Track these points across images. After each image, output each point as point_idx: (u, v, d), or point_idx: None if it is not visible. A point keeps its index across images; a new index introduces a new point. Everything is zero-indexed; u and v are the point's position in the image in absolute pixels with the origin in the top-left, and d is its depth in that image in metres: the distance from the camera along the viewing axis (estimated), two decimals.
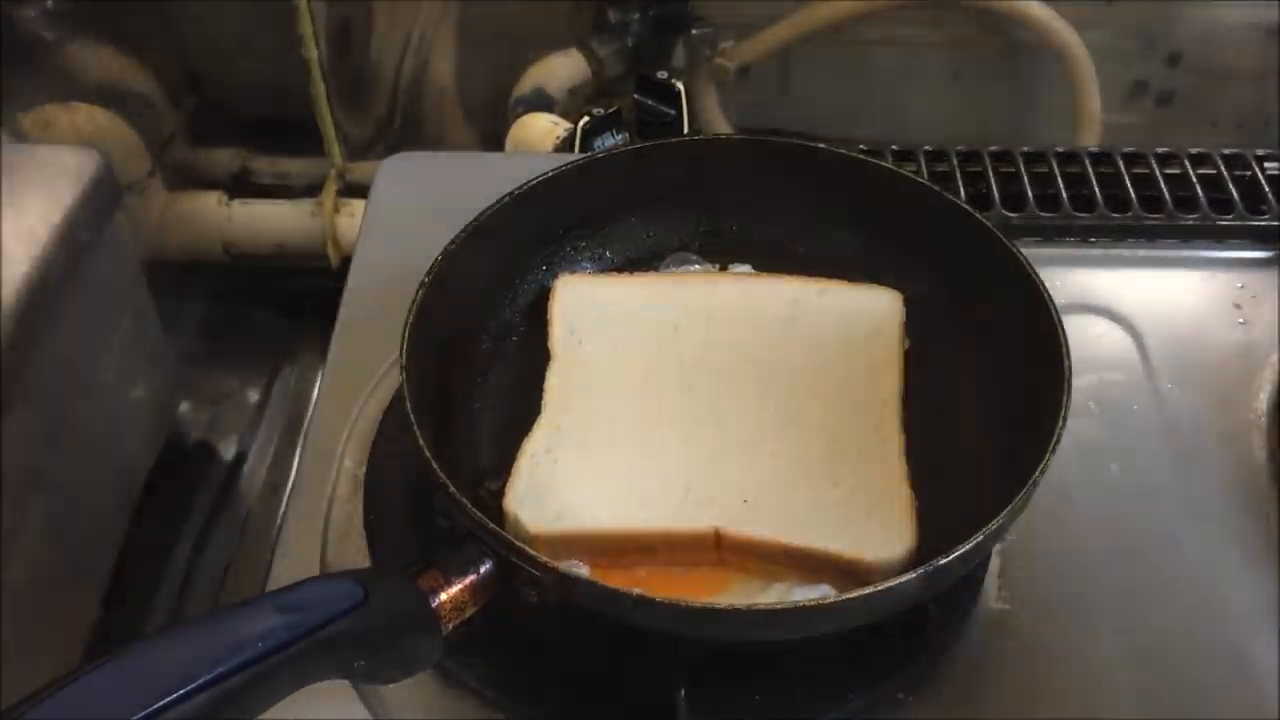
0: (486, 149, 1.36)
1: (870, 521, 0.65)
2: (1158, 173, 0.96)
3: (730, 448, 0.69)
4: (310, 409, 0.82)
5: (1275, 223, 0.93)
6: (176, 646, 0.48)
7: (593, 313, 0.77)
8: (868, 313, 0.76)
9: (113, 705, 0.45)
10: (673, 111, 1.05)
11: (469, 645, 0.62)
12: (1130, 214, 0.93)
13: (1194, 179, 0.96)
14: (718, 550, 0.65)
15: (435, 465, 0.60)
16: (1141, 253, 0.92)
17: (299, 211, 1.32)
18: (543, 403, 0.72)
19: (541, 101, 1.27)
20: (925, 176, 0.93)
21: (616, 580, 0.62)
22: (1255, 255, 0.92)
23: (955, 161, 0.97)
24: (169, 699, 0.45)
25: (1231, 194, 0.95)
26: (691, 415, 0.71)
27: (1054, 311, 0.68)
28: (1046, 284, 0.70)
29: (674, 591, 0.60)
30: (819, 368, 0.73)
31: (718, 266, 0.82)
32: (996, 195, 0.95)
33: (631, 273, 0.81)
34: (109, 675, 0.46)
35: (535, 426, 0.70)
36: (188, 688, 0.46)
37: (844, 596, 0.58)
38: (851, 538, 0.64)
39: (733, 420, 0.70)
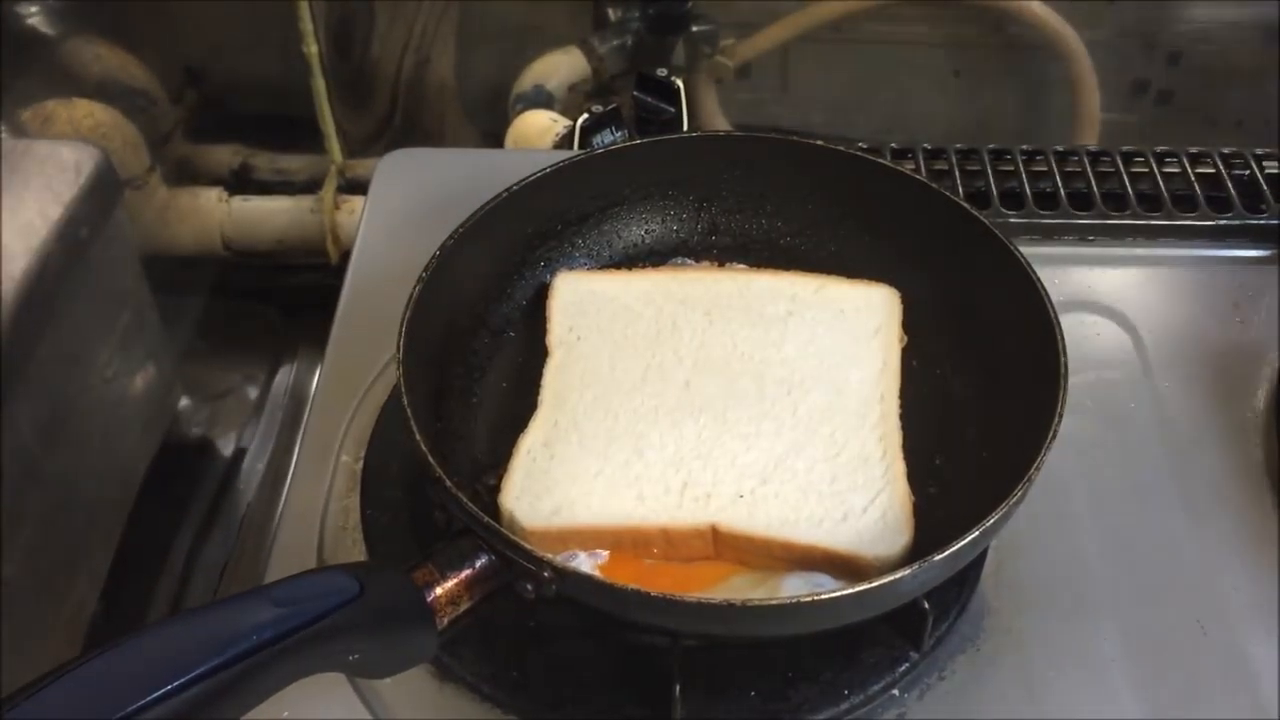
0: (486, 146, 1.36)
1: (867, 518, 0.65)
2: (1156, 171, 0.96)
3: (727, 443, 0.69)
4: (309, 404, 0.82)
5: (1274, 222, 0.93)
6: (171, 639, 0.48)
7: (591, 309, 0.77)
8: (865, 309, 0.76)
9: (107, 697, 0.45)
10: (672, 109, 1.05)
11: (464, 639, 0.63)
12: (1129, 212, 0.93)
13: (1193, 178, 0.96)
14: (715, 546, 0.65)
15: (432, 460, 0.61)
16: (1140, 251, 0.93)
17: (299, 208, 1.32)
18: (540, 398, 0.72)
19: (541, 98, 1.27)
20: (924, 174, 0.93)
21: (619, 571, 0.63)
22: (1253, 254, 0.92)
23: (954, 159, 0.97)
24: (164, 690, 0.45)
25: (1230, 193, 0.95)
26: (689, 411, 0.71)
27: (1051, 309, 0.68)
28: (1044, 282, 0.70)
29: (674, 584, 0.60)
30: (816, 364, 0.73)
31: (716, 264, 0.82)
32: (995, 193, 0.95)
33: (630, 269, 0.81)
34: (103, 667, 0.46)
35: (532, 422, 0.70)
36: (183, 679, 0.46)
37: (839, 592, 0.58)
38: (849, 534, 0.64)
39: (730, 416, 0.70)
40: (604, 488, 0.67)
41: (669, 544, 0.65)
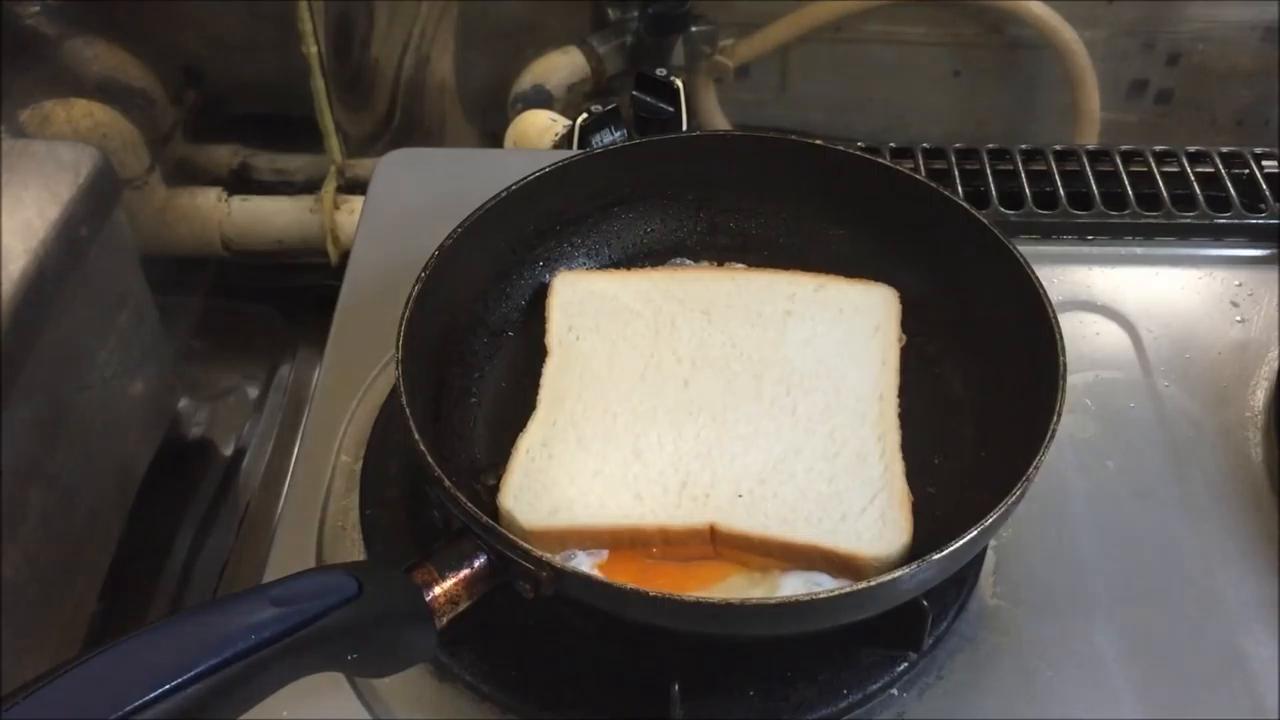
0: (486, 145, 1.36)
1: (866, 518, 0.65)
2: (1155, 171, 0.96)
3: (726, 443, 0.69)
4: (308, 404, 0.82)
5: (1273, 221, 0.93)
6: (170, 638, 0.48)
7: (590, 309, 0.77)
8: (864, 309, 0.76)
9: (105, 697, 0.45)
10: (671, 109, 1.05)
11: (464, 639, 0.63)
12: (1128, 212, 0.93)
13: (1192, 177, 0.96)
14: (713, 545, 0.65)
15: (430, 460, 0.60)
16: (1139, 250, 0.92)
17: (298, 208, 1.32)
18: (538, 398, 0.72)
19: (541, 98, 1.27)
20: (923, 174, 0.93)
21: (619, 570, 0.63)
22: (1253, 253, 0.92)
23: (953, 159, 0.97)
24: (162, 690, 0.45)
25: (1229, 192, 0.94)
26: (688, 410, 0.71)
27: (1050, 309, 0.68)
28: (1043, 281, 0.70)
29: (673, 583, 0.60)
30: (815, 363, 0.73)
31: (715, 264, 0.82)
32: (994, 193, 0.94)
33: (629, 268, 0.81)
34: (102, 667, 0.46)
35: (531, 422, 0.70)
36: (181, 679, 0.46)
37: (837, 591, 0.58)
38: (848, 534, 0.64)
39: (729, 415, 0.70)
40: (602, 487, 0.67)
41: (668, 543, 0.65)
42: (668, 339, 0.75)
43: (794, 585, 0.63)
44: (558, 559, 0.58)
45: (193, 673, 0.46)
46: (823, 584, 0.63)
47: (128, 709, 0.45)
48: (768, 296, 0.77)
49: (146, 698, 0.45)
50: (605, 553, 0.65)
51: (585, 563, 0.64)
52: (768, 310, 0.76)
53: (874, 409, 0.71)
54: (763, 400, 0.71)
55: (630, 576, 0.62)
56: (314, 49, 1.22)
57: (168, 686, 0.46)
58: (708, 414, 0.70)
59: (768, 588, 0.64)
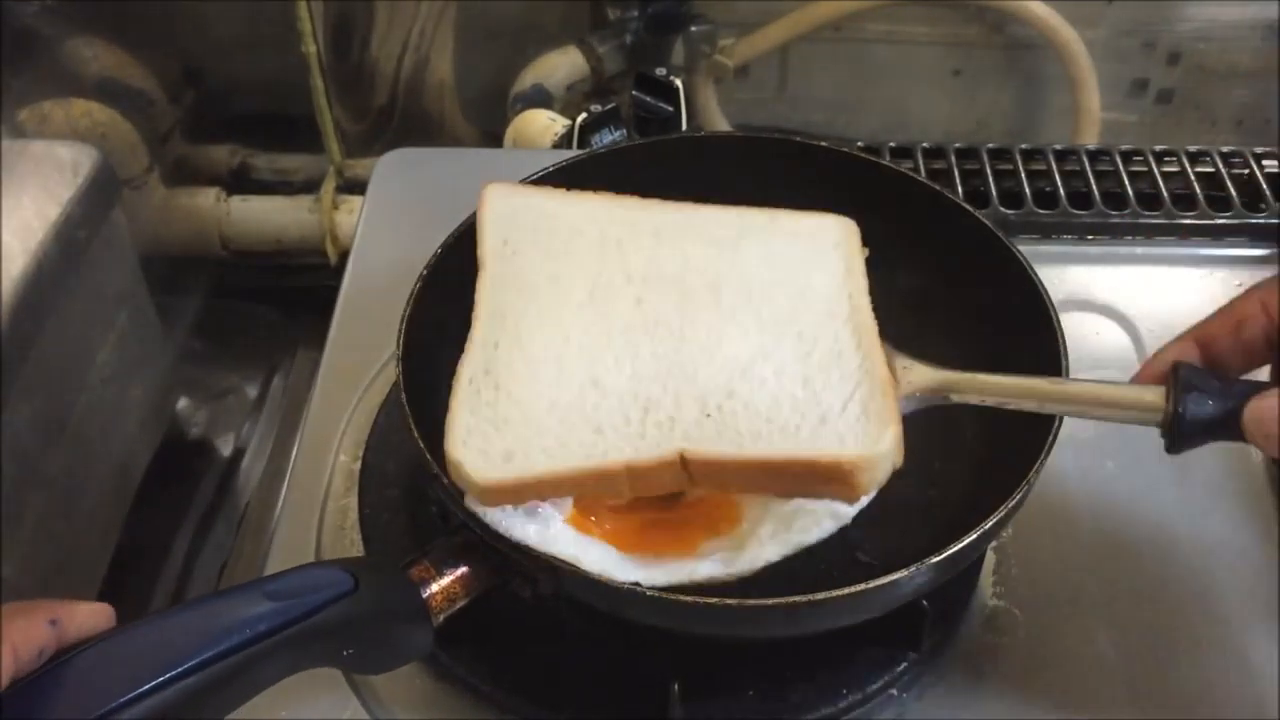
0: (485, 145, 1.36)
1: (847, 416, 0.59)
2: (1156, 171, 0.96)
3: (687, 360, 0.62)
4: (307, 404, 0.82)
5: (1273, 220, 0.93)
6: (166, 630, 0.48)
7: (528, 223, 0.70)
8: (820, 231, 0.71)
9: (99, 688, 0.45)
10: (671, 108, 1.05)
11: (460, 636, 0.62)
12: (1128, 212, 0.93)
13: (1192, 177, 0.96)
14: (687, 476, 0.59)
15: (429, 457, 0.60)
16: (1139, 250, 0.93)
17: (297, 207, 1.32)
18: (474, 315, 0.65)
19: (540, 98, 1.27)
20: (923, 174, 0.93)
21: (588, 526, 0.60)
22: (1253, 253, 0.92)
23: (953, 159, 0.97)
24: (157, 681, 0.45)
25: (1230, 192, 0.95)
26: (643, 329, 0.64)
27: (1051, 308, 0.68)
28: (1044, 281, 0.70)
29: (647, 547, 0.59)
30: (777, 274, 0.68)
31: None
32: (994, 193, 0.94)
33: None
34: (96, 658, 0.46)
35: (469, 344, 0.63)
36: (176, 670, 0.46)
37: (837, 592, 0.57)
38: (829, 438, 0.58)
39: (687, 330, 0.64)
40: (559, 424, 0.59)
41: (635, 481, 0.59)
42: (614, 257, 0.68)
43: (772, 550, 0.59)
44: (555, 556, 0.57)
45: (188, 665, 0.46)
46: (802, 542, 0.59)
47: (122, 700, 0.45)
48: (720, 221, 0.71)
49: (141, 689, 0.45)
50: (569, 503, 0.59)
51: (554, 518, 0.59)
52: (721, 233, 0.70)
53: (844, 306, 0.65)
54: (722, 309, 0.65)
55: (603, 534, 0.59)
56: (313, 48, 1.22)
57: (163, 678, 0.46)
58: (665, 328, 0.64)
59: (747, 558, 0.60)
